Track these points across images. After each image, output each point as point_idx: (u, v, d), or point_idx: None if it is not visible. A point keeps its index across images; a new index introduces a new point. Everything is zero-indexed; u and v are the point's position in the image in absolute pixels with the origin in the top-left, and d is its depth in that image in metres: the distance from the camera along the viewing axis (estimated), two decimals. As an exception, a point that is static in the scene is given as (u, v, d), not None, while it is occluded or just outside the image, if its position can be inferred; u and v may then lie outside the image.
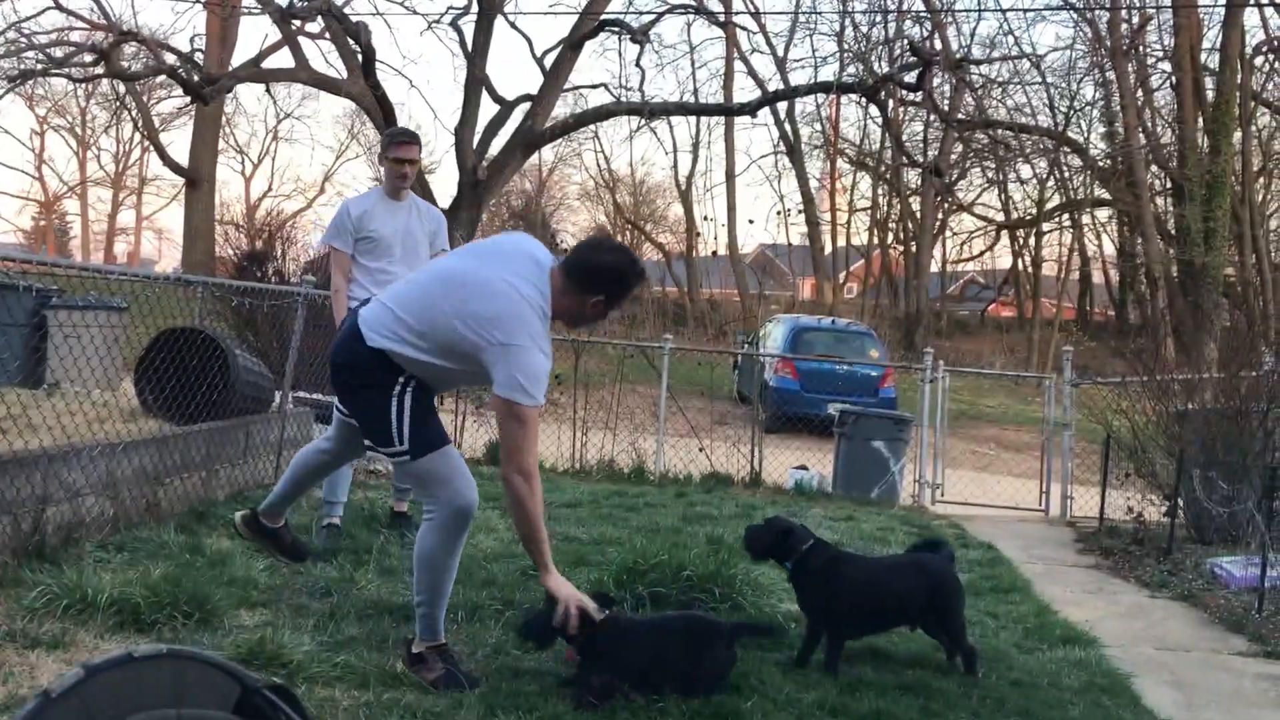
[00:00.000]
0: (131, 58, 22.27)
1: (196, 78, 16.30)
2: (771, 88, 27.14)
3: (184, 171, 29.09)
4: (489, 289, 3.51)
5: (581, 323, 3.93)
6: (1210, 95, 27.76)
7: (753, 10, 32.58)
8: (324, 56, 40.20)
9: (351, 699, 3.43)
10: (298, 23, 17.27)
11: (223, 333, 8.10)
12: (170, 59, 16.94)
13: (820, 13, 37.83)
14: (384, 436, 3.64)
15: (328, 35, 17.87)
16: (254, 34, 69.83)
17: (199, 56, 20.11)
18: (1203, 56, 28.70)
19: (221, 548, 4.99)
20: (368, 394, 3.66)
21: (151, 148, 34.38)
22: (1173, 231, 28.42)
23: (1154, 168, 29.72)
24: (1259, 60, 31.67)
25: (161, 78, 19.88)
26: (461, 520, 3.69)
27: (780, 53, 33.84)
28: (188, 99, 17.27)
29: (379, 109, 15.72)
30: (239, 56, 27.82)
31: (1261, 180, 33.11)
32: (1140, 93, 30.41)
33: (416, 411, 3.64)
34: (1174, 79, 28.90)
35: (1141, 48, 30.49)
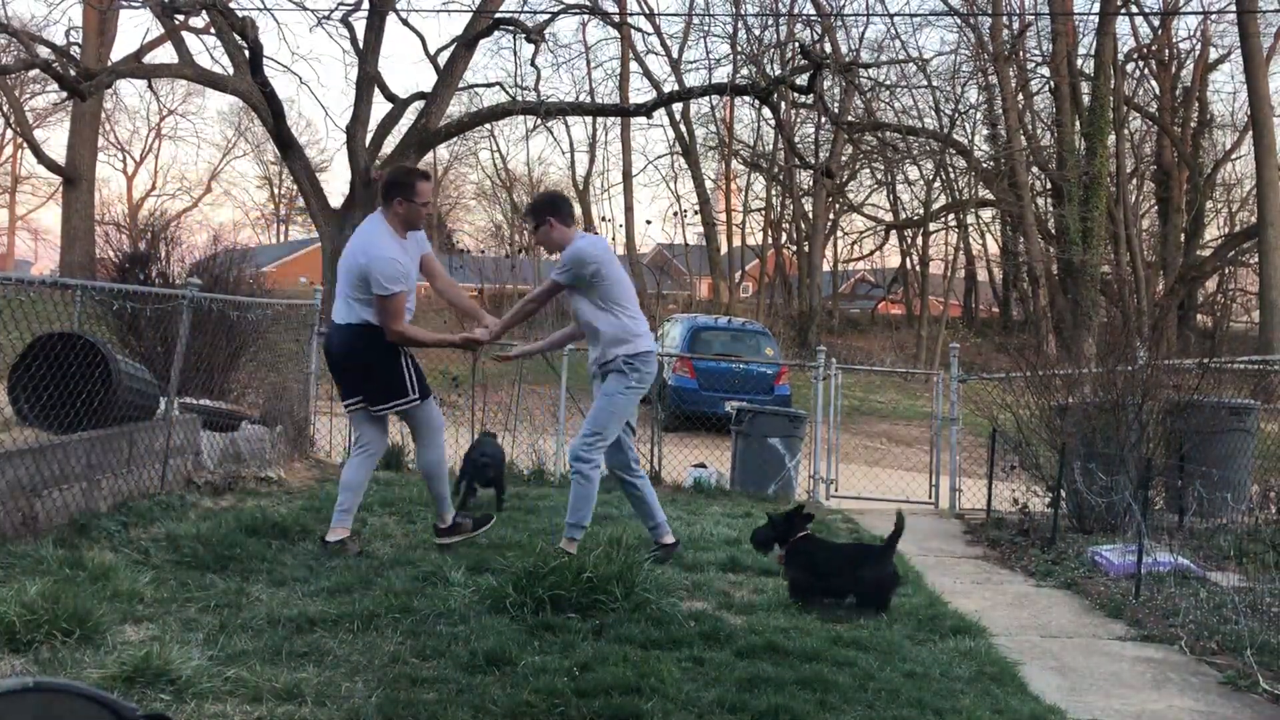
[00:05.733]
0: (1, 50, 21.33)
1: (73, 72, 15.67)
2: (667, 89, 27.32)
3: (61, 169, 27.91)
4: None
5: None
6: (1086, 100, 28.85)
7: (647, 12, 32.79)
8: (209, 52, 39.26)
9: (244, 714, 3.34)
10: (181, 17, 16.75)
11: (103, 338, 7.79)
12: (44, 52, 16.25)
13: (713, 15, 38.25)
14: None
15: (213, 30, 17.37)
16: (135, 27, 67.46)
17: (75, 50, 19.35)
18: (1079, 62, 29.84)
19: (104, 561, 4.79)
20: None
21: (25, 144, 32.97)
22: (1053, 231, 29.43)
23: (1034, 169, 30.77)
24: (1130, 66, 33.10)
25: (35, 72, 19.08)
26: None
27: (675, 54, 34.09)
28: (64, 94, 16.57)
29: (267, 106, 15.35)
30: (119, 51, 26.89)
31: (1134, 182, 34.59)
32: (1021, 97, 31.44)
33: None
34: (1052, 84, 29.95)
35: (1022, 53, 31.55)
